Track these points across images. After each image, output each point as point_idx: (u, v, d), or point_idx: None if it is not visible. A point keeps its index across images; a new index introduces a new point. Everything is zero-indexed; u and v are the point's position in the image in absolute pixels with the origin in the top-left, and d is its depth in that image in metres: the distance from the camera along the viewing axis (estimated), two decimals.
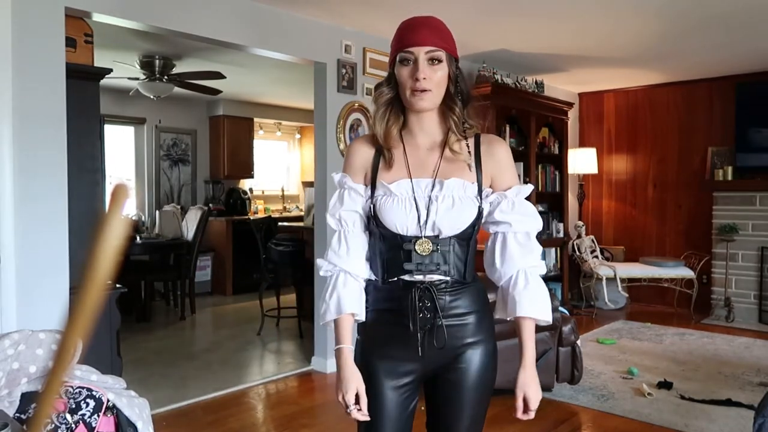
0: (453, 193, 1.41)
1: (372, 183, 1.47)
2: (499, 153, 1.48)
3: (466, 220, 1.41)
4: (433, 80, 1.39)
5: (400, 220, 1.41)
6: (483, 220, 1.48)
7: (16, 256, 2.83)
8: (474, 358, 1.46)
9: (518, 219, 1.44)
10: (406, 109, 1.47)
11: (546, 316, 1.45)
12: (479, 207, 1.43)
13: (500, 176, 1.47)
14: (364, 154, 1.50)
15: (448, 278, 1.42)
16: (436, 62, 1.40)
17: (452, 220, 1.40)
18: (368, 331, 1.50)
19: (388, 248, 1.44)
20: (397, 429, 1.47)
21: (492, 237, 1.50)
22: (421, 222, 1.40)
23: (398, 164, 1.46)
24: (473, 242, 1.46)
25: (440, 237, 1.41)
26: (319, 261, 1.51)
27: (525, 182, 5.55)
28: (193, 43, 4.29)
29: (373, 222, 1.46)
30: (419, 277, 1.41)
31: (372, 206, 1.46)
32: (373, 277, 1.49)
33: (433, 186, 1.42)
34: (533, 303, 1.43)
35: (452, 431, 1.49)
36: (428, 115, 1.45)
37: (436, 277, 1.41)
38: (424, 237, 1.40)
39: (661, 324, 5.71)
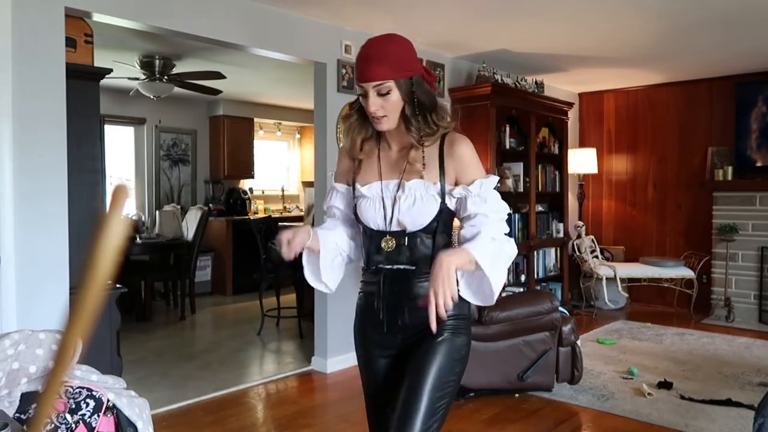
0: (415, 192, 1.59)
1: (352, 186, 1.71)
2: (459, 151, 1.60)
3: (428, 216, 1.59)
4: (386, 108, 1.56)
5: (372, 217, 1.64)
6: (458, 215, 1.64)
7: (16, 256, 2.84)
8: (441, 331, 1.57)
9: (491, 211, 1.57)
10: None
11: (492, 274, 1.50)
12: (441, 203, 1.59)
13: (463, 173, 1.60)
14: (346, 161, 1.75)
15: (413, 267, 1.61)
16: (386, 92, 1.54)
17: (414, 217, 1.59)
18: (360, 309, 1.75)
19: (368, 241, 1.68)
20: (389, 387, 1.66)
21: (467, 228, 1.59)
22: (387, 219, 1.61)
23: (372, 168, 1.68)
24: (442, 236, 1.62)
25: (407, 231, 1.60)
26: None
27: (518, 178, 5.57)
28: (193, 43, 4.29)
29: (356, 220, 1.71)
30: (389, 267, 1.62)
31: (354, 206, 1.70)
32: (362, 264, 1.74)
33: (400, 187, 1.61)
34: (483, 249, 1.50)
35: (415, 387, 1.54)
36: (395, 128, 1.63)
37: (403, 266, 1.61)
38: (389, 234, 1.61)
39: (661, 324, 5.71)
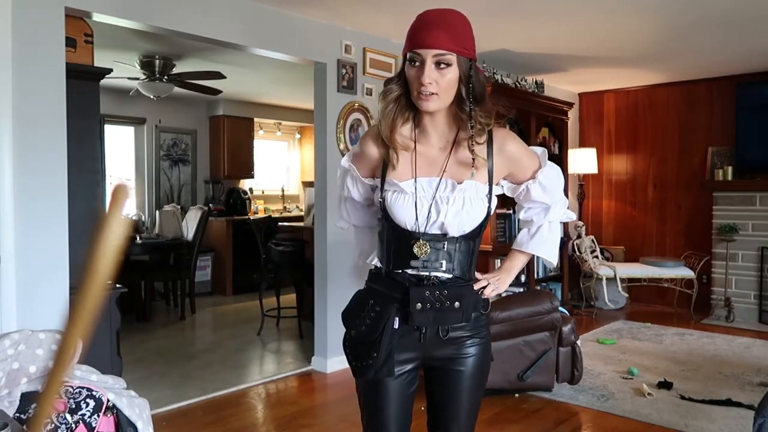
0: (464, 195, 1.44)
1: (382, 178, 1.50)
2: (510, 149, 1.50)
3: (475, 221, 1.46)
4: (440, 84, 1.37)
5: (409, 217, 1.45)
6: (518, 201, 1.63)
7: (16, 256, 2.83)
8: (472, 349, 1.54)
9: (551, 200, 1.57)
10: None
11: (550, 257, 1.63)
12: (488, 207, 1.48)
13: (518, 171, 1.54)
14: (374, 150, 1.52)
15: (450, 275, 1.46)
16: (444, 66, 1.36)
17: (461, 222, 1.44)
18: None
19: (396, 241, 1.48)
20: (399, 410, 1.54)
21: (527, 212, 1.62)
22: (431, 221, 1.44)
23: (410, 162, 1.47)
24: (479, 240, 1.52)
25: (448, 236, 1.45)
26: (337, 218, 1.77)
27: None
28: (193, 43, 4.29)
29: (383, 215, 1.51)
30: (424, 273, 1.46)
31: (382, 200, 1.49)
32: (379, 264, 1.57)
33: (445, 186, 1.44)
34: (542, 246, 1.62)
35: (454, 417, 1.58)
36: (440, 114, 1.45)
37: (439, 273, 1.46)
38: (422, 240, 1.44)
39: (661, 324, 5.71)
